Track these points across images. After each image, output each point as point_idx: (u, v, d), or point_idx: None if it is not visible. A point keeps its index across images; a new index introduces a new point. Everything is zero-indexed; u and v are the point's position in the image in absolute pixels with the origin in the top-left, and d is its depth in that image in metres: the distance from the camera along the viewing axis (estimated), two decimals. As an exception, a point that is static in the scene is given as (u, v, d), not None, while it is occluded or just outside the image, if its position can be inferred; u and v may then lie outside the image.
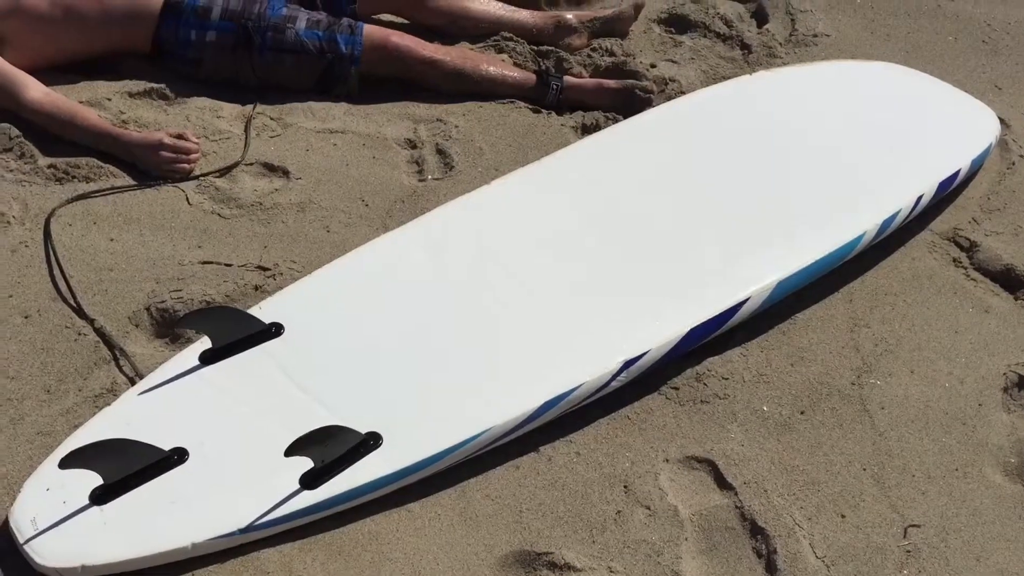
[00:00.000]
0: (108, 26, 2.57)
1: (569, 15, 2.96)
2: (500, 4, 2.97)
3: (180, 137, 2.36)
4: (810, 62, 2.92)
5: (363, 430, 1.67)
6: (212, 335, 1.78)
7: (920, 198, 2.20)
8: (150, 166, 2.33)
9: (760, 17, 3.16)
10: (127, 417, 1.68)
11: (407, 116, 2.64)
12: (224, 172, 2.35)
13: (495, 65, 2.74)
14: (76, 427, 1.70)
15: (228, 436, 1.68)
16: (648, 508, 1.70)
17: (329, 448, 1.60)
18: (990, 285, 2.24)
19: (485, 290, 1.97)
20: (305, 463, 1.60)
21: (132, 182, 2.29)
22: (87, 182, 2.28)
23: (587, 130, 2.64)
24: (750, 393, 1.89)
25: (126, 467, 1.56)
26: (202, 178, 2.32)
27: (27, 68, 2.47)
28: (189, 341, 1.93)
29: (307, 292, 1.95)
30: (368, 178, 2.42)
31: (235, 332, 1.80)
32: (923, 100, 2.61)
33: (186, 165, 2.34)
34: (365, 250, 2.05)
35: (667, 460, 1.79)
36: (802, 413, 1.86)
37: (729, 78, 2.86)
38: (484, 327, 1.89)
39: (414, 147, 2.54)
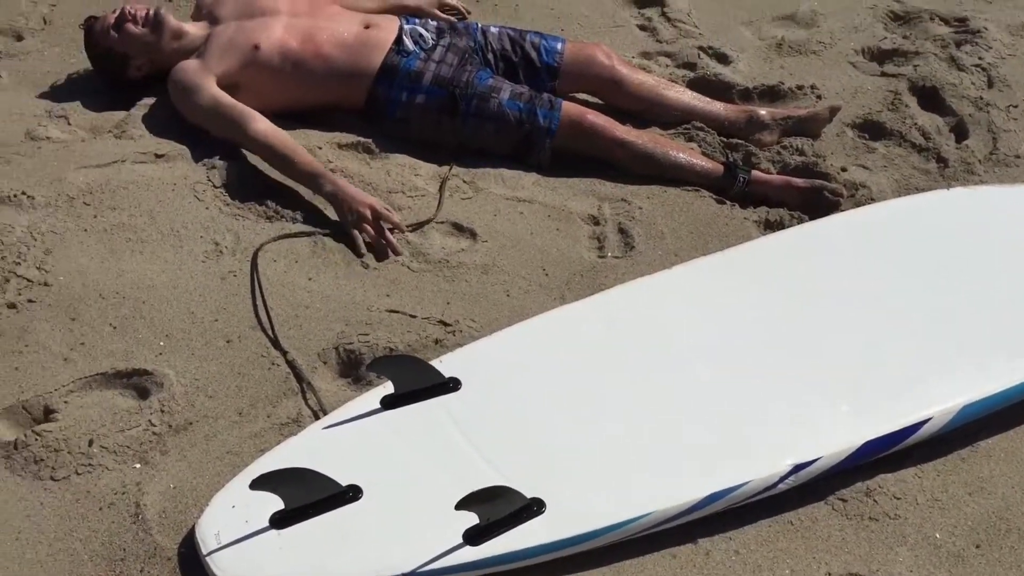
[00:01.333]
0: (329, 81, 2.75)
1: (762, 111, 2.98)
2: (694, 94, 3.03)
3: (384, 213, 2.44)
4: (1011, 183, 2.85)
5: (528, 494, 1.70)
6: (396, 381, 1.86)
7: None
8: (349, 223, 2.42)
9: (960, 132, 3.10)
10: (310, 449, 1.77)
11: (593, 193, 2.71)
12: (417, 228, 2.47)
13: (684, 152, 2.79)
14: (262, 451, 1.80)
15: (400, 481, 1.75)
16: (805, 619, 1.67)
17: (496, 508, 1.64)
18: None
19: (660, 372, 1.99)
20: (471, 519, 1.64)
21: (335, 227, 2.43)
22: (293, 222, 2.43)
23: (770, 226, 2.65)
24: (923, 517, 1.83)
25: (306, 496, 1.64)
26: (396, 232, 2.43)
27: (255, 113, 2.69)
28: (371, 384, 2.03)
29: (486, 351, 2.01)
30: (550, 248, 2.49)
31: (417, 381, 1.87)
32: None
33: (378, 237, 2.40)
34: (546, 318, 2.11)
35: (829, 574, 1.75)
36: (977, 547, 1.79)
37: (922, 190, 2.83)
38: (655, 409, 1.91)
39: (597, 223, 2.61)
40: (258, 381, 2.00)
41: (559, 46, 2.96)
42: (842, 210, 2.66)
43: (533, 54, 2.93)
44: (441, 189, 2.59)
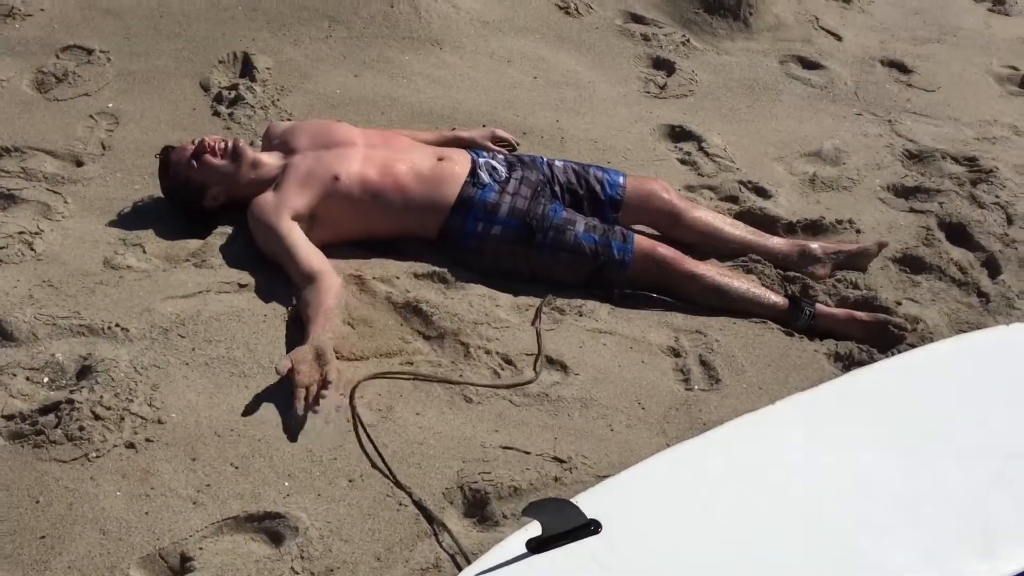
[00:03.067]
0: (406, 212, 2.79)
1: (814, 245, 3.09)
2: (748, 227, 3.13)
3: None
4: (1053, 318, 2.98)
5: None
6: (545, 525, 1.84)
7: None
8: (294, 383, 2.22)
9: (991, 267, 3.24)
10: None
11: (666, 324, 2.76)
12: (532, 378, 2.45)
13: (750, 285, 2.86)
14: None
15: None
16: None
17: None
18: None
19: (790, 509, 2.00)
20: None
21: (431, 367, 2.42)
22: (389, 357, 2.43)
23: (840, 359, 2.72)
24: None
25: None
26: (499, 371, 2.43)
27: (331, 242, 2.70)
28: (497, 524, 2.01)
29: (618, 491, 2.00)
30: (640, 381, 2.52)
31: (563, 524, 1.85)
32: None
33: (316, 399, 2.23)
34: (668, 455, 2.11)
35: None
36: None
37: (973, 323, 2.95)
38: (795, 547, 1.92)
39: (678, 355, 2.65)
40: (389, 523, 1.96)
41: (621, 180, 3.05)
42: (908, 344, 2.75)
43: (597, 187, 3.01)
44: (538, 335, 2.59)
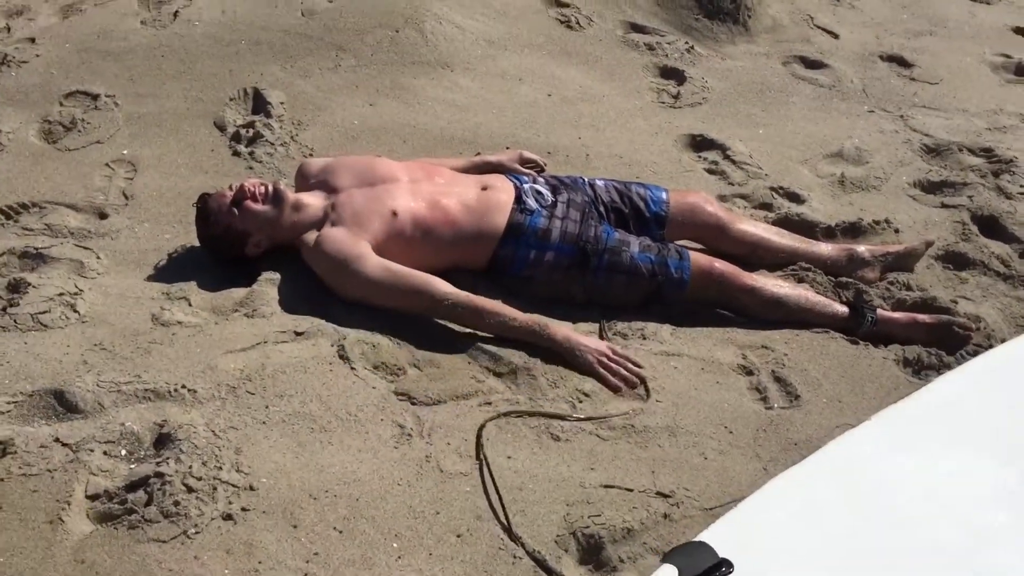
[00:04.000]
0: (456, 245, 2.70)
1: (861, 248, 3.06)
2: (793, 235, 3.09)
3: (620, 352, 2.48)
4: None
5: None
6: (682, 570, 1.77)
7: None
8: (583, 367, 2.44)
9: (1029, 258, 3.24)
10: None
11: (731, 341, 2.70)
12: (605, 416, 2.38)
13: (808, 295, 2.82)
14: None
15: None
16: None
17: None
18: None
19: (918, 527, 1.95)
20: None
21: (510, 404, 2.34)
22: (466, 399, 2.34)
23: (909, 364, 2.68)
24: None
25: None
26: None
27: (385, 280, 2.61)
28: (615, 570, 1.93)
29: (738, 524, 1.94)
30: (720, 404, 2.45)
31: (698, 566, 1.78)
32: None
33: (623, 375, 2.44)
34: (779, 482, 2.05)
35: None
36: None
37: (1022, 318, 2.93)
38: (934, 569, 1.86)
39: (750, 374, 2.59)
40: (508, 578, 1.87)
41: (664, 195, 2.99)
42: (974, 344, 2.73)
43: (641, 205, 2.95)
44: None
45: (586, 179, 2.99)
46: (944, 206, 3.49)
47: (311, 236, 2.66)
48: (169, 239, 2.87)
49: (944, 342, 2.74)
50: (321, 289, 2.63)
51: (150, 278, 2.69)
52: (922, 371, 2.70)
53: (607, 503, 2.07)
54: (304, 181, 2.86)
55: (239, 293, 2.64)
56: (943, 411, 2.31)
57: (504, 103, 3.67)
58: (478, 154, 3.31)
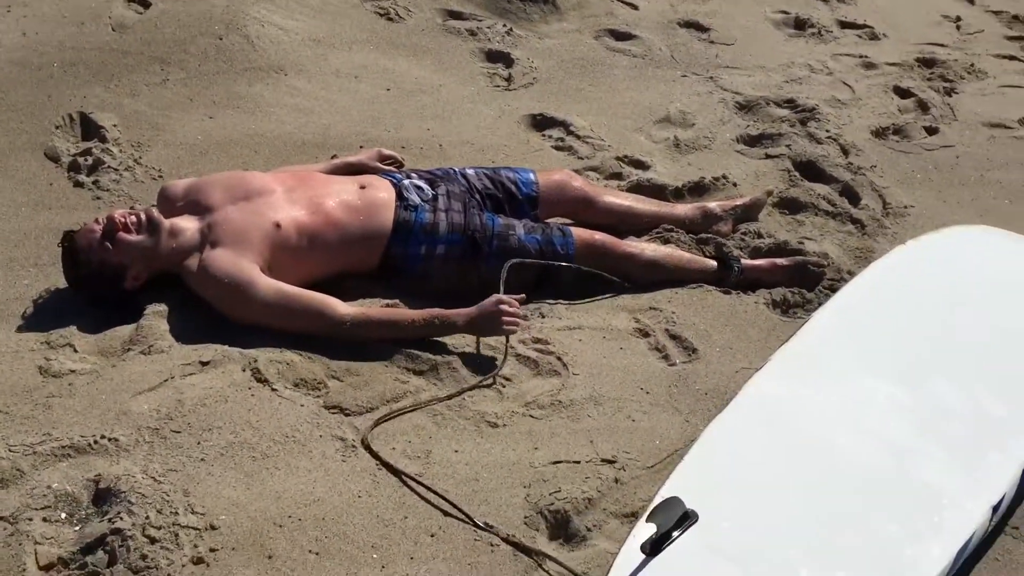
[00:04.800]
0: (345, 248, 2.67)
1: (712, 204, 3.26)
2: (653, 200, 3.25)
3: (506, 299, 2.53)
4: (924, 232, 3.32)
5: None
6: (660, 526, 1.86)
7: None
8: (494, 331, 2.49)
9: (851, 196, 3.54)
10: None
11: (620, 308, 2.82)
12: (487, 381, 2.43)
13: (681, 254, 2.99)
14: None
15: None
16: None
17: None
18: None
19: (839, 450, 2.14)
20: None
21: (437, 395, 2.35)
22: (396, 400, 2.33)
23: (777, 305, 2.90)
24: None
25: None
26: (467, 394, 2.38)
27: (277, 295, 2.54)
28: (584, 539, 2.00)
29: (688, 476, 2.06)
30: (629, 367, 2.56)
31: (670, 520, 1.88)
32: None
33: (520, 320, 2.52)
34: (713, 432, 2.19)
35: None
36: None
37: (862, 248, 3.24)
38: (862, 485, 2.06)
39: (646, 335, 2.71)
40: (493, 567, 1.90)
41: (532, 176, 3.06)
42: (830, 279, 2.99)
43: (512, 188, 3.01)
44: (506, 341, 2.56)
45: (457, 169, 3.01)
46: (768, 157, 3.76)
47: (193, 262, 2.54)
48: (29, 284, 2.66)
49: (803, 281, 2.98)
50: (213, 314, 2.52)
51: (21, 329, 2.49)
52: (790, 310, 2.92)
53: (561, 478, 2.13)
54: (170, 205, 2.71)
55: (125, 331, 2.49)
56: (827, 344, 2.54)
57: (347, 102, 3.62)
58: (334, 156, 3.25)
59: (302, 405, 2.27)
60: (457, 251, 2.74)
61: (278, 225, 2.58)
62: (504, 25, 4.38)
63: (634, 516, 2.07)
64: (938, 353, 2.50)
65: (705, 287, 2.94)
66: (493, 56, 4.17)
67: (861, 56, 4.77)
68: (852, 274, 3.00)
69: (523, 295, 2.61)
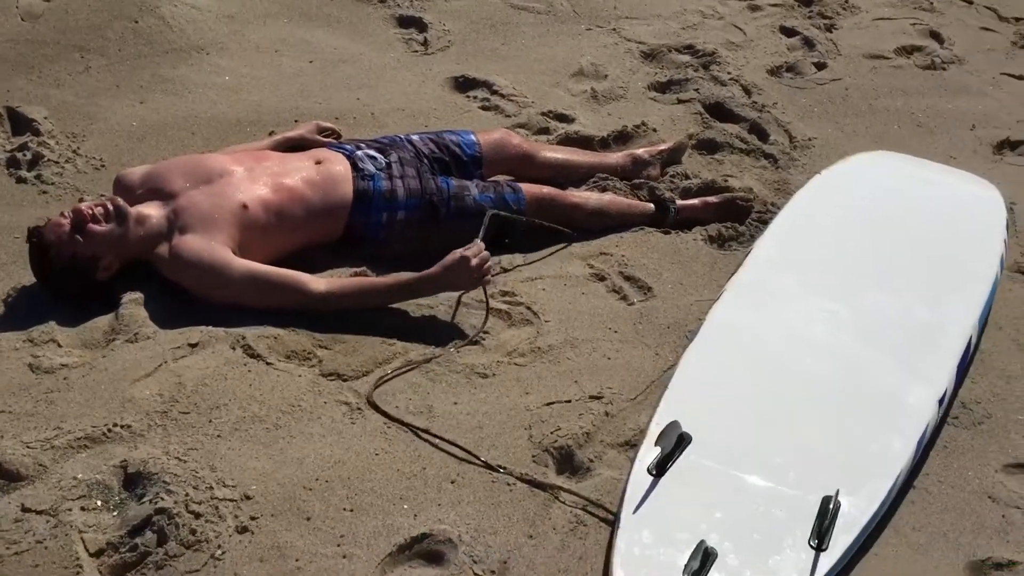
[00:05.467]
0: (310, 222, 2.72)
1: (640, 151, 3.43)
2: (587, 151, 3.40)
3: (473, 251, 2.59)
4: (831, 162, 3.58)
5: (812, 493, 1.99)
6: (664, 449, 2.03)
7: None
8: (465, 284, 2.57)
9: (759, 133, 3.77)
10: (650, 532, 1.90)
11: (573, 256, 2.97)
12: (471, 342, 2.54)
13: (621, 199, 3.15)
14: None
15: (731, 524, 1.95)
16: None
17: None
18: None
19: (801, 363, 2.36)
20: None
21: (427, 354, 2.45)
22: (388, 363, 2.42)
23: (714, 240, 3.10)
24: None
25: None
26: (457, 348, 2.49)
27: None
28: (589, 470, 2.16)
29: (677, 402, 2.24)
30: (594, 310, 2.72)
31: (671, 443, 2.06)
32: (935, 180, 3.30)
33: (487, 270, 2.60)
34: (689, 360, 2.37)
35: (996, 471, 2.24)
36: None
37: (779, 180, 3.47)
38: (829, 392, 2.28)
39: (602, 279, 2.87)
40: (514, 503, 2.04)
41: (473, 137, 3.16)
42: (757, 211, 3.20)
43: (457, 150, 3.11)
44: (485, 295, 2.64)
45: (402, 136, 3.08)
46: (680, 102, 3.94)
47: (164, 249, 2.56)
48: (-6, 283, 2.62)
49: (734, 215, 3.18)
50: (188, 298, 2.55)
51: (-2, 328, 2.47)
52: (725, 243, 3.12)
53: (557, 417, 2.28)
54: (128, 193, 2.70)
55: (104, 322, 2.50)
56: (771, 271, 2.76)
57: (273, 77, 3.62)
58: (271, 133, 3.28)
59: (299, 376, 2.34)
60: (416, 215, 2.83)
61: (245, 206, 2.61)
62: (411, -11, 4.41)
63: (628, 444, 2.24)
64: (867, 269, 2.75)
65: (646, 229, 3.11)
66: (405, 22, 4.21)
67: (746, -1, 4.99)
68: (775, 205, 3.22)
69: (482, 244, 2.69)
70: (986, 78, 4.56)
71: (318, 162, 2.82)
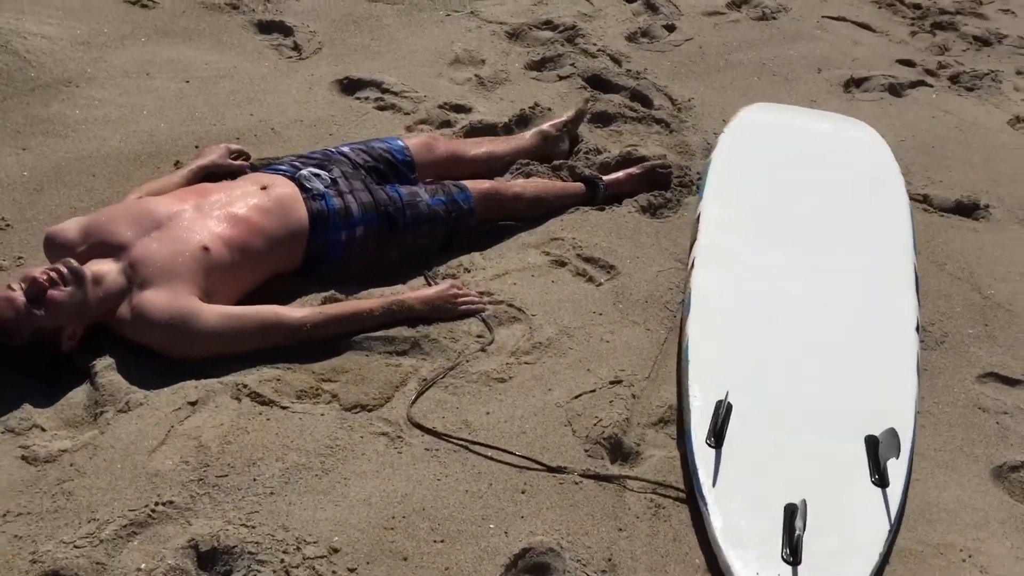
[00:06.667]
0: (271, 252, 2.58)
1: (546, 127, 3.46)
2: (503, 139, 3.39)
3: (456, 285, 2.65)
4: (713, 119, 3.77)
5: (855, 438, 2.13)
6: (717, 421, 2.11)
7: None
8: (452, 314, 2.55)
9: (642, 100, 3.91)
10: (730, 508, 1.97)
11: (527, 245, 2.97)
12: (486, 344, 2.52)
13: (554, 185, 3.18)
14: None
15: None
16: None
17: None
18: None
19: (789, 315, 2.51)
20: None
21: (438, 368, 2.40)
22: (404, 385, 2.35)
23: (646, 210, 3.20)
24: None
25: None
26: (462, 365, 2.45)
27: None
28: (639, 453, 2.21)
29: (698, 376, 2.31)
30: (570, 297, 2.74)
31: (720, 418, 2.14)
32: (820, 128, 3.55)
33: (477, 300, 2.61)
34: (692, 331, 2.45)
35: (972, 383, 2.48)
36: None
37: (678, 144, 3.62)
38: (826, 341, 2.44)
39: (563, 264, 2.90)
40: (590, 500, 2.05)
41: (400, 143, 3.08)
42: (676, 176, 3.33)
43: (389, 157, 3.02)
44: (486, 323, 2.60)
45: (333, 149, 2.96)
46: (560, 78, 4.01)
47: (125, 309, 2.34)
48: (-68, 376, 2.31)
49: (657, 183, 3.29)
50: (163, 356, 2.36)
51: (-41, 424, 2.19)
52: (657, 211, 3.23)
53: (590, 408, 2.30)
54: (67, 252, 2.44)
55: (80, 395, 2.27)
56: (725, 233, 2.88)
57: (154, 103, 3.36)
58: (176, 163, 3.06)
59: (322, 414, 2.23)
60: (375, 229, 2.74)
61: (206, 248, 2.43)
62: (259, -8, 4.20)
63: (662, 422, 2.31)
64: (802, 215, 2.93)
65: (582, 209, 3.16)
66: (266, 27, 4.01)
67: (581, -31, 5.09)
68: (688, 168, 3.37)
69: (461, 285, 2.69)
70: (811, 23, 4.92)
71: (263, 187, 2.67)
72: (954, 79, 4.41)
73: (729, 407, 2.17)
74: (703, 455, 2.09)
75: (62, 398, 2.27)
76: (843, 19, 4.97)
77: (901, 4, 5.22)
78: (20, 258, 2.65)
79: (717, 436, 2.12)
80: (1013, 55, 4.73)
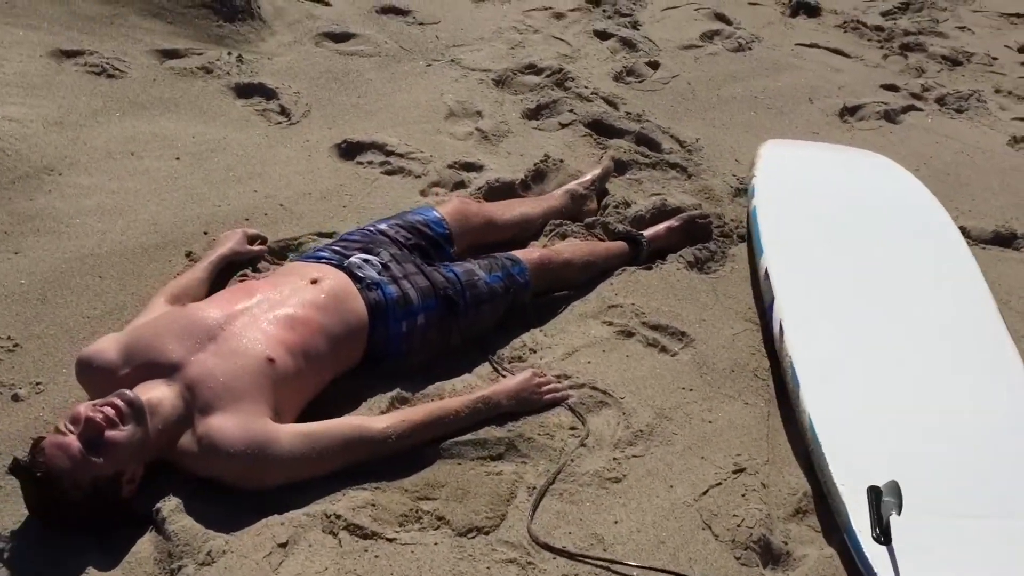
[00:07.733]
0: (334, 351, 2.30)
1: (573, 185, 3.26)
2: (533, 200, 3.17)
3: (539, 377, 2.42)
4: (725, 160, 3.63)
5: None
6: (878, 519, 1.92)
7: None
8: (538, 405, 2.33)
9: (648, 143, 3.74)
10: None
11: (585, 316, 2.75)
12: (584, 439, 2.29)
13: (597, 245, 2.97)
14: None
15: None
16: None
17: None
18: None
19: (906, 386, 2.35)
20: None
21: (543, 472, 2.16)
22: (514, 496, 2.09)
23: (693, 265, 3.01)
24: None
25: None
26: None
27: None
28: (789, 553, 2.01)
29: (837, 454, 2.13)
30: (652, 372, 2.52)
31: (887, 505, 1.96)
32: (845, 162, 3.46)
33: (561, 387, 2.39)
34: (806, 402, 2.27)
35: None
36: None
37: (701, 189, 3.47)
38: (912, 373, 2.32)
39: (631, 335, 2.68)
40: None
41: (435, 213, 2.83)
42: (716, 225, 3.16)
43: (427, 231, 2.76)
44: (574, 411, 2.37)
45: (372, 228, 2.69)
46: (562, 126, 3.81)
47: (188, 440, 2.02)
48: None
49: (698, 234, 3.12)
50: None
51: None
52: (705, 265, 3.04)
53: (724, 505, 2.09)
54: (107, 377, 2.10)
55: (147, 547, 1.94)
56: (796, 285, 2.72)
57: (148, 186, 3.01)
58: (189, 255, 2.74)
59: (436, 543, 1.96)
60: (435, 316, 2.48)
61: (271, 359, 2.13)
62: (229, 53, 3.88)
63: (800, 512, 2.11)
64: (868, 264, 2.80)
65: (628, 269, 2.95)
66: (244, 90, 3.70)
67: (546, 8, 4.93)
68: (722, 216, 3.21)
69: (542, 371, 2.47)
70: (787, 51, 4.85)
71: (313, 281, 2.38)
72: (941, 101, 4.39)
73: (879, 493, 1.99)
74: (877, 556, 1.89)
75: (127, 554, 1.93)
76: (816, 46, 4.92)
77: (864, 27, 5.20)
78: (39, 383, 2.29)
79: (884, 531, 1.93)
80: (985, 73, 4.76)
